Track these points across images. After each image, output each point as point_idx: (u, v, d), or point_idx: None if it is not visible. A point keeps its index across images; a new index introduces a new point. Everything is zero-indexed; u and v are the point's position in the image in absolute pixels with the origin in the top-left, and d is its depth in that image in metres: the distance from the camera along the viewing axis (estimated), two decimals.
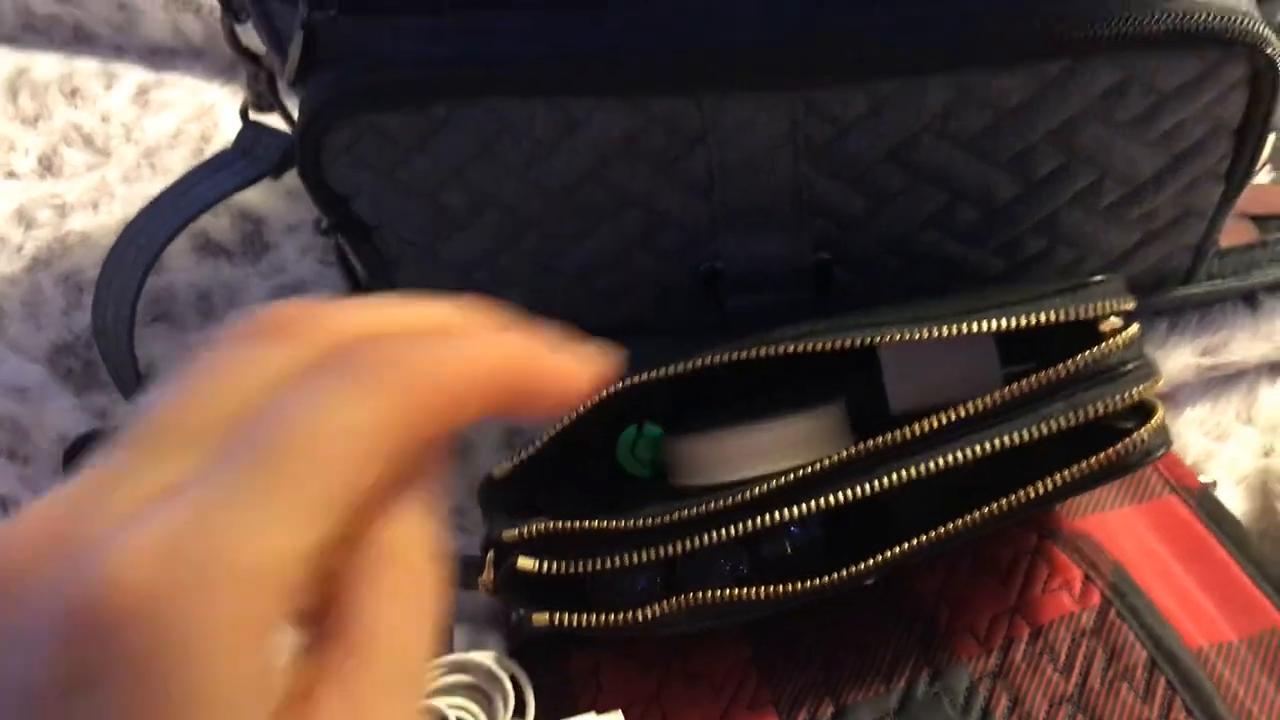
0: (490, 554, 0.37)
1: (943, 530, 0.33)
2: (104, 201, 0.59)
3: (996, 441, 0.33)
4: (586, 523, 0.35)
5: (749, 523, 0.33)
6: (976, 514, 0.33)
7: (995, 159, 0.38)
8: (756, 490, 0.34)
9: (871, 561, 0.34)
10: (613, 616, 0.35)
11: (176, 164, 0.61)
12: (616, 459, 0.40)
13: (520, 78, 0.37)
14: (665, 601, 0.34)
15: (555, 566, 0.35)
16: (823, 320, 0.35)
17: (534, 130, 0.39)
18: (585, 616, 0.35)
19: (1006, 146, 0.38)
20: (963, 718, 0.35)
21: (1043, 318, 0.34)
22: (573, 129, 0.38)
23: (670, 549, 0.34)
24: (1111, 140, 0.38)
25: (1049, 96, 0.36)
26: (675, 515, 0.34)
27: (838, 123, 0.37)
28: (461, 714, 0.37)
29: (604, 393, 0.35)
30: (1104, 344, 0.33)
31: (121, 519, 0.17)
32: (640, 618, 0.34)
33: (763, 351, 0.33)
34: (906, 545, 0.34)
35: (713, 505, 0.34)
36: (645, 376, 0.36)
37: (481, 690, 0.38)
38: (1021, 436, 0.33)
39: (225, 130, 0.62)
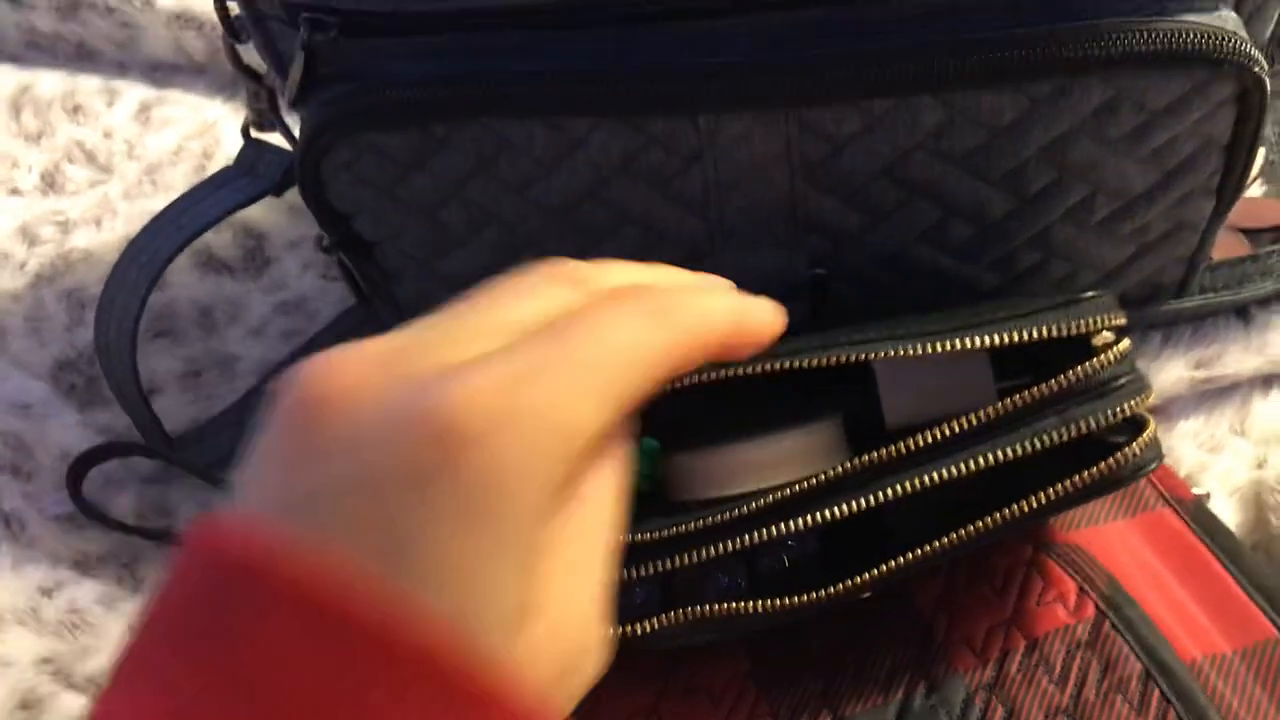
0: None
1: (938, 544, 0.34)
2: (106, 218, 0.60)
3: (990, 456, 0.33)
4: None
5: (747, 537, 0.34)
6: (971, 528, 0.34)
7: (988, 176, 0.39)
8: (754, 504, 0.34)
9: (868, 575, 0.34)
10: (611, 630, 0.35)
11: (178, 181, 0.61)
12: None
13: (519, 97, 0.37)
14: (664, 615, 0.35)
15: None
16: (818, 336, 0.35)
17: (533, 149, 0.39)
18: None
19: (999, 164, 0.38)
20: None
21: (1035, 333, 0.35)
22: (571, 148, 0.39)
23: (669, 563, 0.34)
24: (1103, 157, 0.38)
25: (1041, 115, 0.37)
26: (673, 529, 0.35)
27: (832, 140, 0.38)
28: None
29: None
30: (1095, 359, 0.34)
31: (454, 366, 0.22)
32: (639, 631, 0.35)
33: (759, 369, 0.34)
34: (902, 559, 0.34)
35: (711, 519, 0.34)
36: None
37: None
38: (1015, 451, 0.33)
39: (227, 147, 0.62)
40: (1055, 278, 0.43)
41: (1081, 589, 0.38)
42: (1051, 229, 0.41)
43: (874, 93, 0.36)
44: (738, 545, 0.34)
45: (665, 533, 0.35)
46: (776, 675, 0.38)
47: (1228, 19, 0.35)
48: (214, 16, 0.42)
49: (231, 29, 0.42)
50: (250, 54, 0.43)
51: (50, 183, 0.63)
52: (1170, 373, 0.47)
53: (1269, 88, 0.36)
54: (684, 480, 0.38)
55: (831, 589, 0.34)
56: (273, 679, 0.20)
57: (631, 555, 0.35)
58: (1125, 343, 0.35)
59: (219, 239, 0.57)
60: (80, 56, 0.68)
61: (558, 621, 0.24)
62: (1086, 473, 0.33)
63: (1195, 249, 0.43)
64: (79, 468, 0.48)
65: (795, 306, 0.35)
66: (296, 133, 0.41)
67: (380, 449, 0.22)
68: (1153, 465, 0.34)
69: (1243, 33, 0.35)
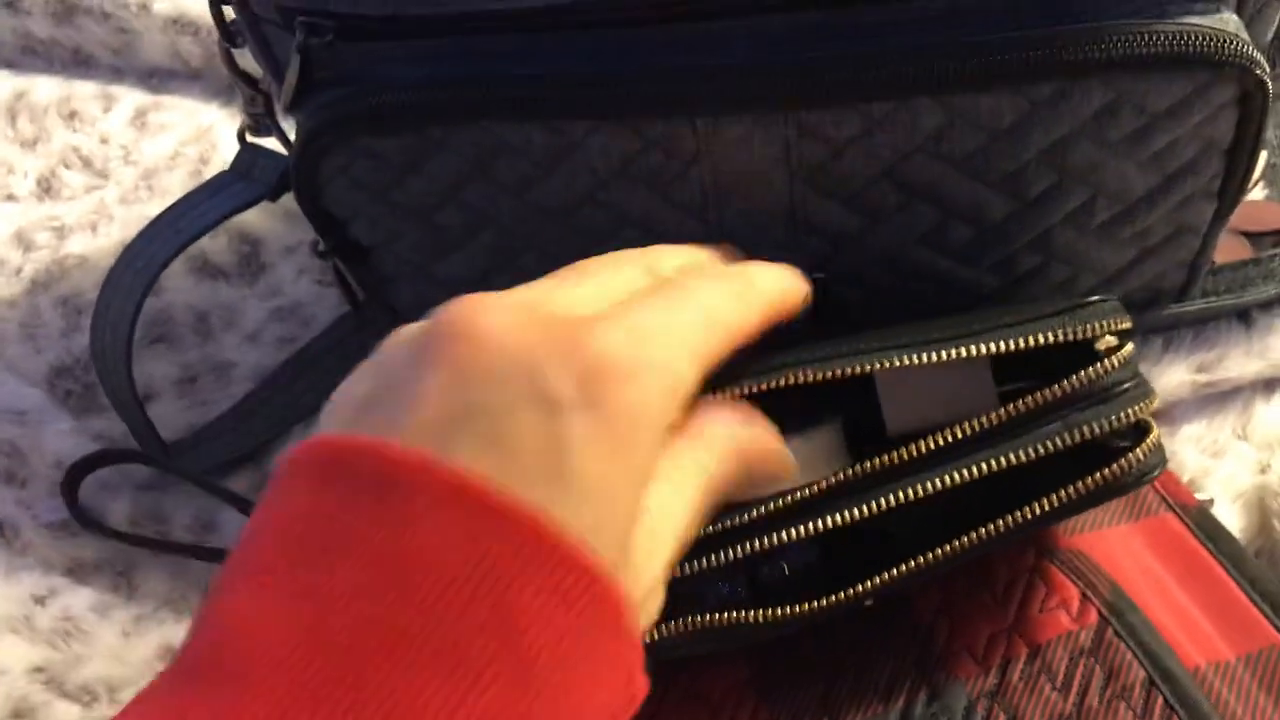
0: None
1: (940, 552, 0.33)
2: (102, 224, 0.60)
3: (993, 462, 0.33)
4: None
5: (749, 545, 0.33)
6: (974, 535, 0.33)
7: (988, 178, 0.39)
8: (756, 512, 0.34)
9: (870, 583, 0.34)
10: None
11: (175, 186, 0.61)
12: None
13: (516, 101, 0.37)
14: (667, 625, 0.34)
15: None
16: (819, 346, 0.35)
17: (531, 152, 0.39)
18: None
19: (999, 166, 0.38)
20: None
21: (1040, 339, 0.34)
22: (569, 151, 0.38)
23: (671, 571, 0.34)
24: (1104, 160, 0.38)
25: (1041, 117, 0.37)
26: None
27: (831, 143, 0.38)
28: None
29: None
30: (1099, 364, 0.33)
31: (587, 320, 0.27)
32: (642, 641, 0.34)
33: (760, 386, 0.33)
34: (905, 567, 0.34)
35: (713, 528, 0.34)
36: None
37: None
38: (1018, 457, 0.33)
39: (223, 152, 0.62)
40: (1056, 281, 0.42)
41: (1084, 595, 0.37)
42: (1052, 232, 0.40)
43: (873, 95, 0.36)
44: (739, 553, 0.33)
45: None
46: (776, 683, 0.38)
47: (1229, 21, 0.35)
48: (210, 22, 0.42)
49: (227, 34, 0.42)
50: (246, 59, 0.43)
51: (46, 188, 0.63)
52: (1172, 377, 0.47)
53: (1271, 90, 0.36)
54: None
55: (833, 597, 0.34)
56: (428, 569, 0.23)
57: None
58: (1129, 347, 0.34)
59: (214, 245, 0.57)
60: (76, 62, 0.68)
61: (643, 551, 0.27)
62: (1090, 478, 0.33)
63: (1197, 252, 0.43)
64: (75, 475, 0.48)
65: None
66: (292, 137, 0.41)
67: (528, 381, 0.25)
68: (1157, 471, 0.33)
69: (1244, 35, 0.35)
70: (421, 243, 0.43)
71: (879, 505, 0.33)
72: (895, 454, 0.33)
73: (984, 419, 0.33)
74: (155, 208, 0.50)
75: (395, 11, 0.36)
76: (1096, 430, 0.33)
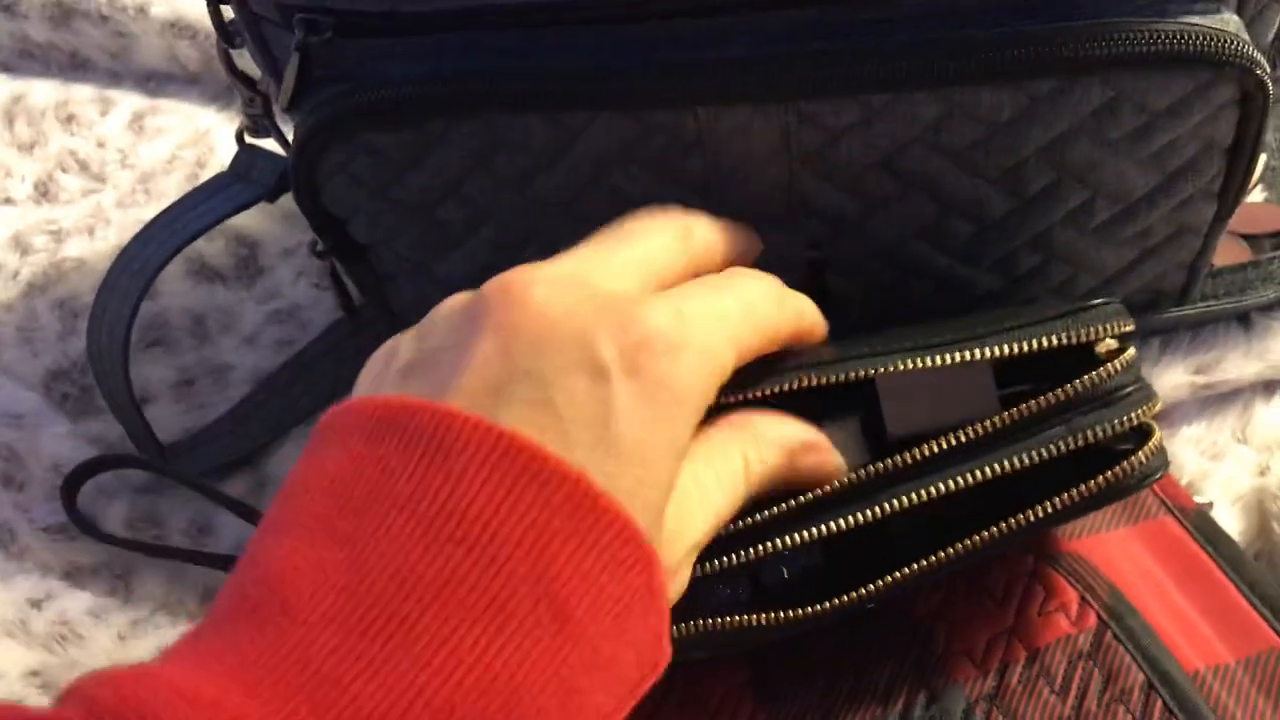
0: None
1: (942, 555, 0.33)
2: (100, 227, 0.59)
3: (996, 466, 0.33)
4: None
5: (752, 549, 0.33)
6: (976, 538, 0.33)
7: (986, 173, 0.39)
8: (759, 516, 0.33)
9: (871, 587, 0.34)
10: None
11: (172, 190, 0.61)
12: None
13: (519, 93, 0.37)
14: (671, 629, 0.34)
15: None
16: (823, 351, 0.35)
17: (531, 144, 0.39)
18: None
19: (998, 161, 0.38)
20: None
21: (1043, 343, 0.34)
22: (570, 142, 0.38)
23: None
24: (1103, 158, 0.38)
25: (1040, 113, 0.37)
26: None
27: (830, 130, 0.38)
28: None
29: None
30: (1102, 368, 0.33)
31: (632, 297, 0.29)
32: None
33: (770, 390, 0.33)
34: (906, 570, 0.33)
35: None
36: None
37: None
38: (1021, 461, 0.33)
39: (221, 155, 0.62)
40: (1055, 282, 0.42)
41: (1083, 599, 0.37)
42: (1051, 231, 0.40)
43: (871, 90, 0.36)
44: (743, 558, 0.33)
45: None
46: (775, 685, 0.38)
47: (1230, 21, 0.35)
48: (208, 25, 0.42)
49: (225, 34, 0.42)
50: (244, 60, 0.43)
51: (43, 192, 0.63)
52: (1170, 379, 0.47)
53: (1271, 91, 0.36)
54: None
55: (835, 601, 0.34)
56: (474, 521, 0.24)
57: None
58: (1131, 350, 0.34)
59: (211, 248, 0.56)
60: (73, 66, 0.68)
61: (674, 525, 0.29)
62: (1093, 482, 0.33)
63: (1197, 254, 0.43)
64: (73, 482, 0.48)
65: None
66: (291, 137, 0.41)
67: (579, 349, 0.27)
68: (1159, 474, 0.33)
69: (1245, 35, 0.35)
70: (421, 239, 0.43)
71: (883, 509, 0.33)
72: (899, 458, 0.33)
73: (987, 423, 0.33)
74: (152, 211, 0.50)
75: (393, 8, 0.36)
76: (1100, 434, 0.33)
